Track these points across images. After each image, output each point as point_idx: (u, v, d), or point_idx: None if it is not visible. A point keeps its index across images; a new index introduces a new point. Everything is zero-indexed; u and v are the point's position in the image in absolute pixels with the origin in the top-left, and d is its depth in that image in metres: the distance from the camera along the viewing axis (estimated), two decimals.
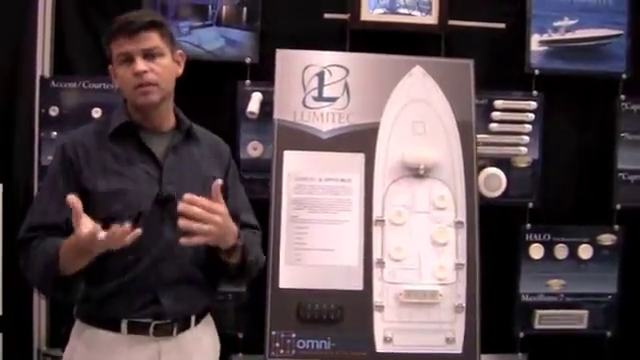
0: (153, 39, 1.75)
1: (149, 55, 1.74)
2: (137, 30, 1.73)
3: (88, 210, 1.69)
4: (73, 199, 1.50)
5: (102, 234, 1.49)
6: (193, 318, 1.82)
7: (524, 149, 2.63)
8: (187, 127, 1.87)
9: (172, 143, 1.82)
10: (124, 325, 1.73)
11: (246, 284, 1.93)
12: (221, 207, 1.65)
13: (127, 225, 1.51)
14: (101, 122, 1.93)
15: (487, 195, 2.57)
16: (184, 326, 1.79)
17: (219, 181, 1.66)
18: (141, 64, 1.72)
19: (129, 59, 1.74)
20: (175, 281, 1.76)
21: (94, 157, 1.76)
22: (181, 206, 1.59)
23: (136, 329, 1.73)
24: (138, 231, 1.54)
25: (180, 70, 1.87)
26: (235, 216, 1.80)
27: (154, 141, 1.80)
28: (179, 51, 1.87)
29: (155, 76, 1.74)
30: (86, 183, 1.73)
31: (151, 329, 1.73)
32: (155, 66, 1.75)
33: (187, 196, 1.60)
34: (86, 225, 1.50)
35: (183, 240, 1.59)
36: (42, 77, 2.52)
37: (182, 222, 1.58)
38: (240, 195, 1.97)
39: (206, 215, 1.60)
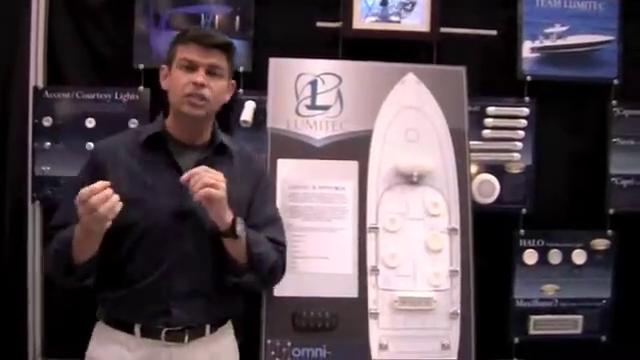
0: (221, 59, 1.80)
1: (211, 72, 1.78)
2: (212, 45, 1.78)
3: None
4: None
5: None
6: (208, 327, 1.83)
7: (517, 155, 2.64)
8: (217, 143, 1.87)
9: (200, 157, 1.82)
10: (137, 329, 1.77)
11: (260, 282, 1.89)
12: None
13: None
14: (136, 130, 2.00)
15: (481, 201, 2.58)
16: (197, 334, 1.80)
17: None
18: (202, 77, 1.76)
19: (192, 68, 1.77)
20: (187, 293, 1.77)
21: (122, 163, 1.79)
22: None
23: (149, 333, 1.77)
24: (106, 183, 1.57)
25: (228, 98, 1.89)
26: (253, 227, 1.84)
27: (184, 154, 1.81)
28: (233, 81, 1.91)
29: (209, 93, 1.77)
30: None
31: (163, 334, 1.76)
32: (213, 84, 1.78)
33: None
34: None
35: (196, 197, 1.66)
36: (35, 87, 2.52)
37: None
38: (265, 211, 1.93)
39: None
